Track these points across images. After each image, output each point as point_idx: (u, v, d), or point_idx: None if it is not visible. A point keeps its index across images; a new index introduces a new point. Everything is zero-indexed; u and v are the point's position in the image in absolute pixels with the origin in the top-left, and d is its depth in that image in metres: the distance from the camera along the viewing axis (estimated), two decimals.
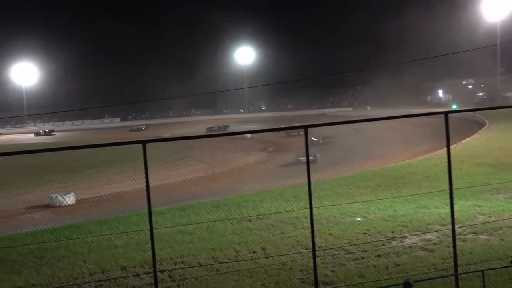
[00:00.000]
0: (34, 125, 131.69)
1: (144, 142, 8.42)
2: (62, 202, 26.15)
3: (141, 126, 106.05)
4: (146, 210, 8.50)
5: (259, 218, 16.46)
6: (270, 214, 16.44)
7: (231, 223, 15.91)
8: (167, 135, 69.09)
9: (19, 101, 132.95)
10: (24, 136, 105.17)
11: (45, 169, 37.69)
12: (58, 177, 34.79)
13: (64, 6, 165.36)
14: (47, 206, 25.54)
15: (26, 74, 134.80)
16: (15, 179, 34.10)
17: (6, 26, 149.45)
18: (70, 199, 26.58)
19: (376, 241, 13.22)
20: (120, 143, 10.00)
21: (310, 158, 9.31)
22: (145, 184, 8.49)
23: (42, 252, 13.94)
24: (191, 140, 56.08)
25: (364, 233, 14.03)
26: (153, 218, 8.41)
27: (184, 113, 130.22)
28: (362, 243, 12.96)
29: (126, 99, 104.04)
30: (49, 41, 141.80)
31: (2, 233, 17.20)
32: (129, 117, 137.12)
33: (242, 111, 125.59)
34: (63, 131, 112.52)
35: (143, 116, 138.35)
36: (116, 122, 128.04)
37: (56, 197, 26.42)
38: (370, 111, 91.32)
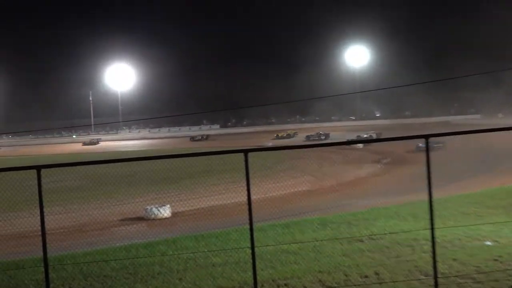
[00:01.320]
0: (129, 132, 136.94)
1: (246, 151, 8.51)
2: (157, 215, 26.99)
3: (203, 136, 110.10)
4: (247, 226, 8.56)
5: (372, 238, 16.15)
6: (385, 234, 16.08)
7: (340, 243, 15.72)
8: (269, 144, 69.74)
9: (114, 106, 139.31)
10: (120, 143, 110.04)
11: (140, 179, 39.21)
12: (153, 187, 36.03)
13: (166, 6, 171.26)
14: (142, 219, 26.49)
15: (122, 77, 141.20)
16: (110, 189, 35.68)
17: (105, 26, 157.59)
18: (165, 212, 27.38)
19: (510, 269, 12.58)
20: (220, 152, 10.15)
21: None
22: (245, 197, 8.57)
23: (136, 268, 14.40)
24: (296, 151, 56.37)
25: (495, 260, 13.38)
26: (254, 234, 8.45)
27: (288, 120, 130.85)
28: (492, 271, 12.37)
29: (226, 105, 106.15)
30: (147, 43, 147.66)
31: (95, 247, 17.98)
32: (229, 123, 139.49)
33: (354, 118, 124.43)
34: (155, 139, 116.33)
35: (244, 122, 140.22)
36: (215, 129, 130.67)
37: (151, 209, 27.32)
38: (502, 119, 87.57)
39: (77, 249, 17.25)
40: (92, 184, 40.18)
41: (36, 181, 9.25)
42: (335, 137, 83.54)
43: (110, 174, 43.11)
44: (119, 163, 9.53)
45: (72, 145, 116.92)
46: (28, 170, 9.28)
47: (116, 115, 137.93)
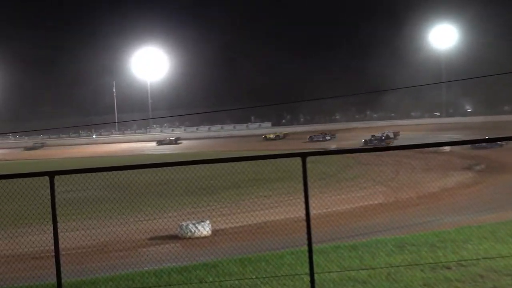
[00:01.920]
0: (161, 131, 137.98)
1: (303, 155, 8.50)
2: (195, 233, 27.18)
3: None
4: (304, 247, 8.55)
5: (461, 264, 15.92)
6: (478, 259, 15.84)
7: (421, 271, 15.55)
8: (333, 147, 69.59)
9: (142, 100, 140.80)
10: (144, 145, 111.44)
11: (173, 189, 39.55)
12: (189, 199, 36.28)
13: None
14: (175, 237, 26.70)
15: (152, 65, 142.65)
16: (137, 201, 36.10)
17: (141, 10, 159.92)
18: (204, 229, 27.55)
19: None
20: (271, 156, 10.16)
21: None
22: (303, 211, 8.56)
23: None
24: (365, 156, 56.02)
25: None
26: (314, 258, 8.42)
27: (357, 116, 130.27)
28: None
29: (279, 99, 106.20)
30: (181, 24, 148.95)
31: (119, 271, 18.18)
32: (283, 121, 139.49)
33: (439, 114, 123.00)
34: (191, 139, 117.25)
35: (301, 119, 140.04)
36: (266, 128, 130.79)
37: (187, 225, 27.54)
38: None
39: (97, 273, 17.48)
40: (115, 194, 40.63)
41: (48, 190, 9.39)
42: (415, 137, 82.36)
43: (137, 183, 43.65)
44: (148, 169, 9.63)
45: (88, 147, 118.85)
46: (40, 177, 9.44)
47: (144, 111, 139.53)
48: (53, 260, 9.18)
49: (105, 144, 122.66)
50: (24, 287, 15.68)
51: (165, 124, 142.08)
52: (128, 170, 9.68)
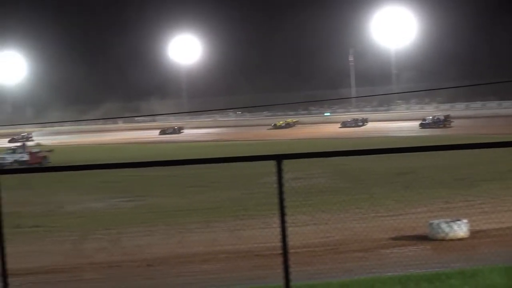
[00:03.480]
0: (407, 108, 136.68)
1: None
2: (448, 233, 26.68)
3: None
4: None
5: None
6: None
7: None
8: None
9: (383, 70, 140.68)
10: (393, 124, 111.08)
11: (422, 179, 39.27)
12: (441, 192, 35.79)
13: None
14: (424, 238, 26.38)
15: (397, 29, 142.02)
16: (375, 192, 36.21)
17: None
18: (461, 229, 26.98)
19: None
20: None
21: None
22: None
23: None
24: None
25: None
26: None
27: None
28: None
29: None
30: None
31: (356, 275, 18.30)
32: None
33: None
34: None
35: None
36: None
37: (438, 224, 27.09)
38: None
39: (330, 277, 17.73)
40: (349, 184, 41.04)
41: (269, 178, 9.57)
42: None
43: (373, 171, 43.78)
44: (382, 156, 9.55)
45: (319, 127, 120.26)
46: (262, 162, 9.62)
47: (385, 84, 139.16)
48: (280, 259, 9.38)
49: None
50: None
51: (413, 100, 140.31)
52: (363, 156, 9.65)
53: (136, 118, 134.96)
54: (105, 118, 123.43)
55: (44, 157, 75.73)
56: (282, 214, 9.24)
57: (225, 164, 10.03)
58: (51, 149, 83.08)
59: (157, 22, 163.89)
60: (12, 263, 9.09)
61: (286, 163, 9.29)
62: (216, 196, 38.71)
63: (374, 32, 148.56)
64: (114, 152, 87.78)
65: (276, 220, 9.54)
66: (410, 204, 33.40)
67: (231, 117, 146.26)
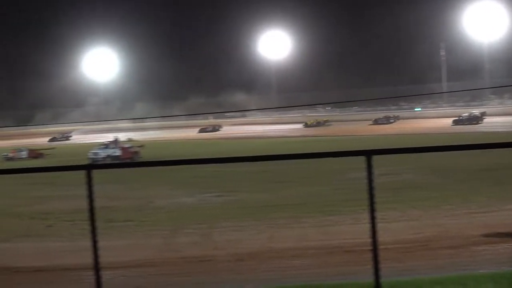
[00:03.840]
0: (500, 103, 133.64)
1: None
2: None
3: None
4: None
5: None
6: None
7: None
8: None
9: (474, 64, 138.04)
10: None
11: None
12: None
13: None
14: None
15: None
16: (466, 188, 35.84)
17: None
18: None
19: None
20: None
21: None
22: None
23: None
24: None
25: None
26: None
27: None
28: None
29: None
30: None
31: (446, 272, 18.08)
32: None
33: None
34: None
35: None
36: None
37: None
38: None
39: (421, 273, 17.61)
40: (439, 179, 40.71)
41: (358, 174, 9.55)
42: None
43: (463, 167, 43.31)
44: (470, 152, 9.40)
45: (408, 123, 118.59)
46: (351, 157, 9.59)
47: (477, 79, 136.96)
48: (370, 255, 9.33)
49: (431, 119, 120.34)
50: (339, 285, 16.22)
51: (506, 95, 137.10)
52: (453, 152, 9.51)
53: (225, 114, 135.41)
54: (195, 114, 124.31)
55: (136, 152, 76.84)
56: (372, 210, 9.20)
57: (314, 159, 10.02)
58: (142, 144, 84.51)
59: (247, 18, 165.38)
60: (104, 257, 9.22)
61: (375, 159, 9.26)
62: (304, 192, 38.77)
63: (465, 26, 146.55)
64: (202, 147, 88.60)
65: (366, 216, 9.49)
66: (503, 200, 32.90)
67: (320, 113, 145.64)
